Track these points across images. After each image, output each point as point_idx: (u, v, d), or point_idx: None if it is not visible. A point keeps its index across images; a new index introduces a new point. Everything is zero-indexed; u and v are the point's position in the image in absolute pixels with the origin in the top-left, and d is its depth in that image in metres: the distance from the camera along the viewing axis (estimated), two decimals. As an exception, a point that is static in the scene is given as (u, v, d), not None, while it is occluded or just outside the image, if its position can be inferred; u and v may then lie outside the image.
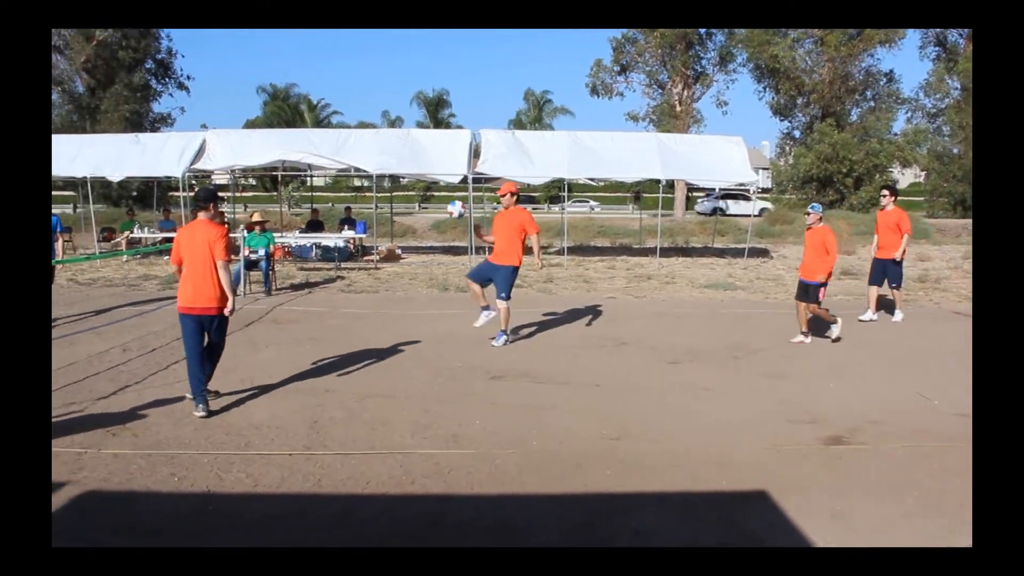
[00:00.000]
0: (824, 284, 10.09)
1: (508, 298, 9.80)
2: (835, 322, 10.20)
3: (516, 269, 9.87)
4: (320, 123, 67.36)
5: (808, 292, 10.18)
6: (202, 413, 6.64)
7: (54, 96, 43.19)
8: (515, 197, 10.10)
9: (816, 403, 7.30)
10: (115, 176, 21.38)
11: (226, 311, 6.88)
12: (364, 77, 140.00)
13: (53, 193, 18.27)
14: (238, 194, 34.67)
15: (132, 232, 21.79)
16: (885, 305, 12.14)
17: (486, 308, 9.91)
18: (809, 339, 10.21)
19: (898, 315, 11.87)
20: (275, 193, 51.70)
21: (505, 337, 9.90)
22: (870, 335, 10.74)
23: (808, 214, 10.61)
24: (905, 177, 56.70)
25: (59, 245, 11.17)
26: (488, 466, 5.57)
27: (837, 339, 10.11)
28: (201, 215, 6.97)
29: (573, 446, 6.05)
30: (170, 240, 20.37)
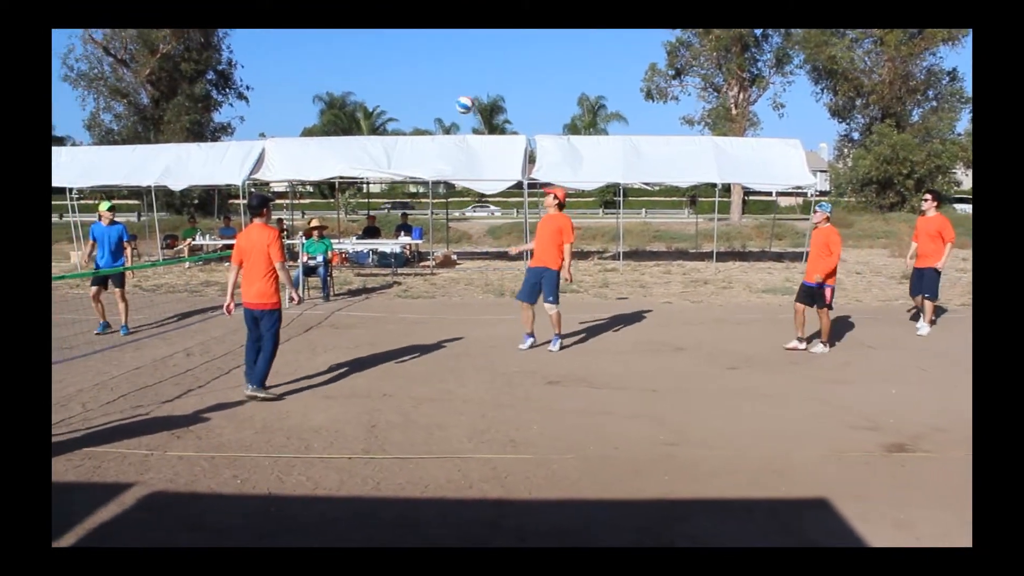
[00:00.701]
0: (827, 286, 9.60)
1: (556, 302, 9.78)
2: (824, 344, 9.75)
3: (558, 273, 9.78)
4: (376, 130, 68.08)
5: (812, 295, 9.74)
6: (251, 391, 7.44)
7: (120, 108, 44.50)
8: (558, 201, 9.87)
9: (877, 409, 7.15)
10: (177, 185, 21.84)
11: (292, 297, 7.94)
12: (419, 84, 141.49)
13: (118, 202, 18.64)
14: (295, 201, 35.13)
15: (194, 239, 22.26)
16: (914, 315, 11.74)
17: (531, 335, 10.01)
18: (803, 346, 9.82)
19: (923, 327, 10.96)
20: (332, 200, 52.36)
21: (560, 341, 9.94)
22: (934, 341, 10.48)
23: (815, 212, 10.00)
24: (969, 178, 55.33)
25: (128, 252, 11.47)
26: (545, 471, 5.57)
27: (819, 351, 9.71)
28: (256, 220, 7.65)
29: (630, 451, 6.02)
30: (230, 247, 20.84)
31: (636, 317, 12.47)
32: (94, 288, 11.12)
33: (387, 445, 6.15)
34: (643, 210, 58.56)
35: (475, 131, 67.94)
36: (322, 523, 4.69)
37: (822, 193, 50.14)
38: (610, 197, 51.31)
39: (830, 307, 9.77)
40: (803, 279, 9.97)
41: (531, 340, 9.99)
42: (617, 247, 22.79)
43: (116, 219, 11.32)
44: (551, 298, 9.73)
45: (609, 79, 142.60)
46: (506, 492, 5.20)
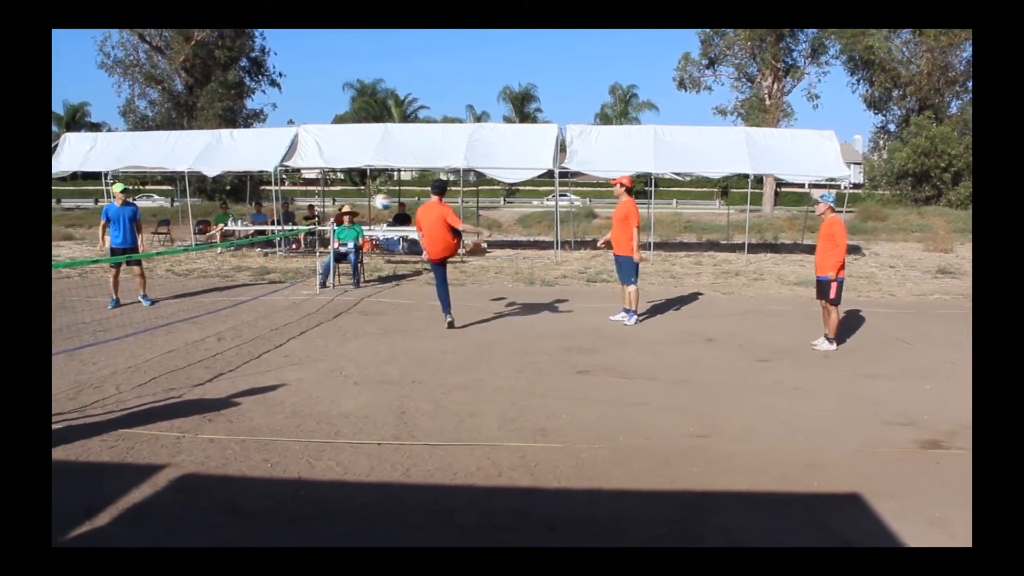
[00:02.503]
0: (838, 280, 9.22)
1: (633, 283, 10.88)
2: (831, 342, 9.39)
3: (629, 258, 10.70)
4: (407, 118, 68.33)
5: (821, 288, 9.46)
6: (450, 319, 10.21)
7: (155, 94, 45.00)
8: (624, 188, 10.96)
9: (911, 405, 7.04)
10: (211, 171, 22.00)
11: (481, 242, 10.02)
12: (451, 72, 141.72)
13: (152, 187, 18.91)
14: (326, 188, 35.28)
15: (226, 225, 22.43)
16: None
17: (627, 311, 11.00)
18: (835, 346, 9.43)
19: None
20: (363, 187, 52.53)
21: (635, 316, 11.00)
22: (968, 337, 10.29)
23: (818, 203, 9.57)
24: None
25: (140, 236, 12.23)
26: (575, 460, 5.55)
27: (825, 350, 9.34)
28: (434, 198, 10.10)
29: (660, 442, 5.98)
30: (262, 232, 21.03)
31: (667, 307, 12.41)
32: (114, 269, 12.04)
33: (417, 432, 6.16)
34: (674, 200, 58.29)
35: (506, 119, 67.95)
36: (351, 508, 4.71)
37: (855, 186, 49.61)
38: (640, 187, 51.14)
39: (834, 302, 9.35)
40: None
41: (622, 315, 11.05)
42: (648, 237, 22.67)
43: (130, 201, 12.35)
44: (629, 280, 10.86)
45: (641, 68, 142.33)
46: (535, 481, 5.19)
